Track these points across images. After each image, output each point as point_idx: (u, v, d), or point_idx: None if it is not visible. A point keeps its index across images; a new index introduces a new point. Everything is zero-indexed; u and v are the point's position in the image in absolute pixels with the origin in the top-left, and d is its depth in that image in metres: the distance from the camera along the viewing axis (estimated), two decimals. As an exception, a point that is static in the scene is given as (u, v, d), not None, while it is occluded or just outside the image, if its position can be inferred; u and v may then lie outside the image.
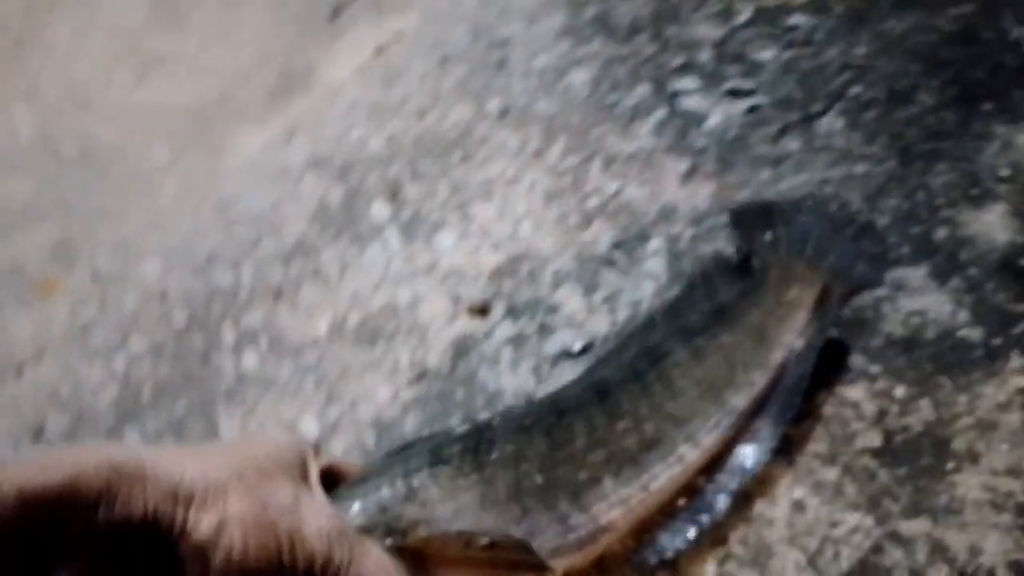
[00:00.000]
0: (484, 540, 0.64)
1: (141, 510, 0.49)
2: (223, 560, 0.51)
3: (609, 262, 1.03)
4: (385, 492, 0.69)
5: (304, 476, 0.63)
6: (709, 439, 0.78)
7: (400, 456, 0.79)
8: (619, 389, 0.79)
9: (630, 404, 0.78)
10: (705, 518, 0.75)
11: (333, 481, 0.71)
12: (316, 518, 0.57)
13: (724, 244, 1.01)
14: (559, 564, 0.72)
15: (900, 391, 0.85)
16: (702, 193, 1.07)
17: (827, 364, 0.88)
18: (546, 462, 0.72)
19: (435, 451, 0.73)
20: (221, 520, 0.51)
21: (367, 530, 0.64)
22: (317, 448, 0.73)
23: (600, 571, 0.77)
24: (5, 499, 0.43)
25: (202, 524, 0.50)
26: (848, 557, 0.75)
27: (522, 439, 0.73)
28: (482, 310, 1.01)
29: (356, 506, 0.68)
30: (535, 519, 0.70)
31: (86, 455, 0.49)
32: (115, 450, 0.51)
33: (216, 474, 0.54)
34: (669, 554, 0.75)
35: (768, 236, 0.96)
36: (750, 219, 0.99)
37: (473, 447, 0.72)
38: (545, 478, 0.72)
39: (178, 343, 1.06)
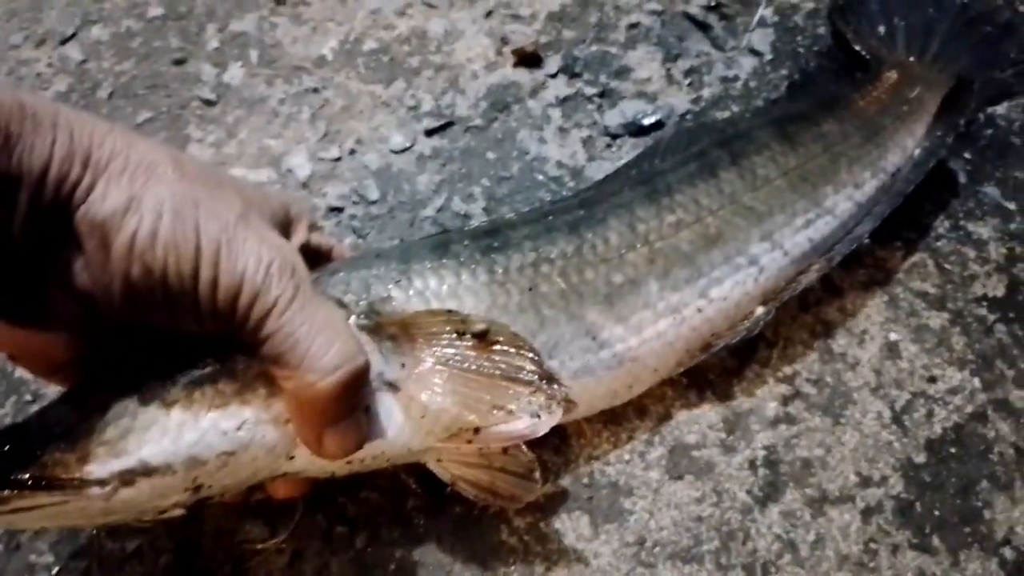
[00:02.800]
0: (480, 325, 0.51)
1: (42, 163, 0.39)
2: (124, 245, 0.41)
3: (702, 26, 0.82)
4: (376, 270, 0.56)
5: (278, 225, 0.51)
6: (795, 241, 0.63)
7: (403, 244, 0.67)
8: (674, 175, 0.64)
9: (687, 194, 0.62)
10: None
11: (322, 261, 0.59)
12: (259, 243, 0.45)
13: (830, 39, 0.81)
14: (584, 390, 0.58)
15: (1041, 237, 0.68)
16: (834, -42, 0.85)
17: (951, 189, 0.72)
18: (571, 263, 0.58)
19: (443, 243, 0.59)
20: (132, 197, 0.41)
21: (342, 304, 0.52)
22: (315, 223, 0.59)
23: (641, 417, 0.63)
24: None
25: (109, 198, 0.41)
26: (943, 420, 0.62)
27: (542, 236, 0.59)
28: (533, 59, 0.81)
29: (338, 276, 0.55)
30: (556, 331, 0.57)
31: None
32: (31, 96, 0.40)
33: (146, 152, 0.43)
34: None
35: (883, 29, 0.78)
36: (862, 8, 0.80)
37: (486, 244, 0.58)
38: (568, 282, 0.58)
39: (149, 38, 0.85)
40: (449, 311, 0.52)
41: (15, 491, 0.46)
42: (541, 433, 0.54)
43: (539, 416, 0.51)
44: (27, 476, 0.46)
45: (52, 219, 0.41)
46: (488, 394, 0.51)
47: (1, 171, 0.38)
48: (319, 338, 0.46)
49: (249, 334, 0.45)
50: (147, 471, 0.47)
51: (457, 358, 0.51)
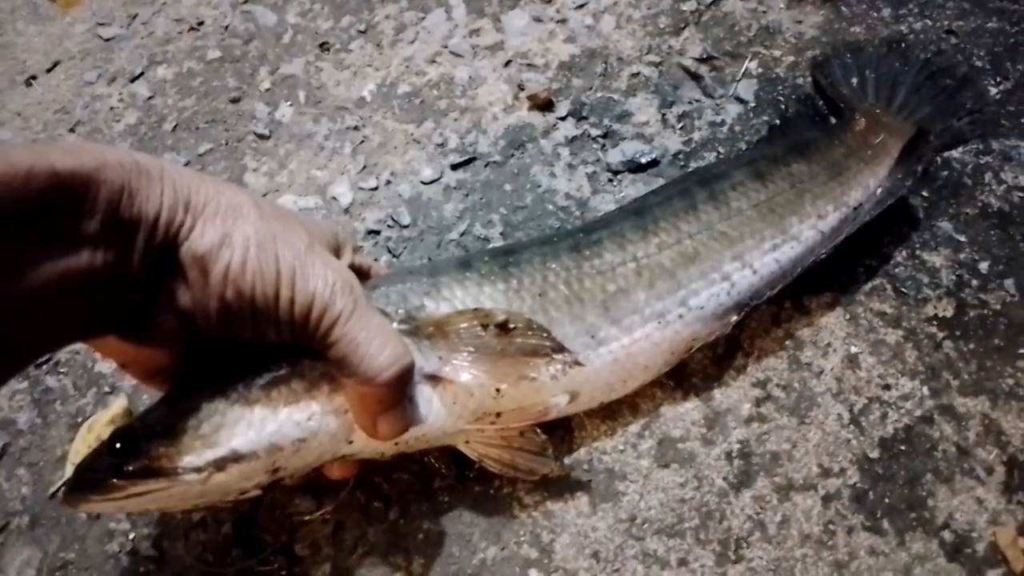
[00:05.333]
0: (500, 317, 0.61)
1: (156, 210, 0.48)
2: (220, 273, 0.50)
3: (695, 76, 0.92)
4: (410, 284, 0.65)
5: (332, 250, 0.60)
6: (763, 262, 0.73)
7: (431, 263, 0.77)
8: (659, 207, 0.74)
9: (669, 221, 0.72)
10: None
11: (361, 278, 0.69)
12: (324, 267, 0.54)
13: (812, 90, 0.91)
14: (585, 381, 0.67)
15: (984, 266, 0.78)
16: (812, 19, 0.95)
17: (910, 222, 0.81)
18: (573, 274, 0.68)
19: (464, 261, 0.69)
20: (225, 235, 0.50)
21: (384, 313, 0.61)
22: (357, 246, 0.69)
23: (634, 413, 0.73)
24: (39, 174, 0.42)
25: (206, 236, 0.50)
26: (894, 422, 0.71)
27: (549, 253, 0.69)
28: (546, 104, 0.91)
29: (379, 290, 0.64)
30: (561, 330, 0.66)
31: (112, 151, 0.47)
32: (141, 155, 0.49)
33: (232, 197, 0.52)
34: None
35: (855, 81, 0.88)
36: (837, 62, 0.90)
37: (503, 260, 0.68)
38: (571, 289, 0.67)
39: (209, 78, 0.97)
40: (475, 309, 0.62)
41: (129, 480, 0.55)
42: (552, 415, 0.65)
43: (556, 378, 0.63)
44: (138, 467, 0.56)
45: (161, 254, 0.49)
46: (513, 368, 0.61)
47: (126, 218, 0.47)
48: (375, 342, 0.54)
49: (319, 341, 0.54)
50: (236, 458, 0.56)
51: (484, 345, 0.61)
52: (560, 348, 0.62)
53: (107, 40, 1.02)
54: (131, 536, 0.70)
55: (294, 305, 0.52)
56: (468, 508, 0.69)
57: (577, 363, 0.63)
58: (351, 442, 0.60)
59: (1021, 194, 0.82)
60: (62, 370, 0.79)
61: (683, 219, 0.73)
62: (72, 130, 0.95)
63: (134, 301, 0.50)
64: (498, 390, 0.63)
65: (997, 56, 0.90)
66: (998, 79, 0.89)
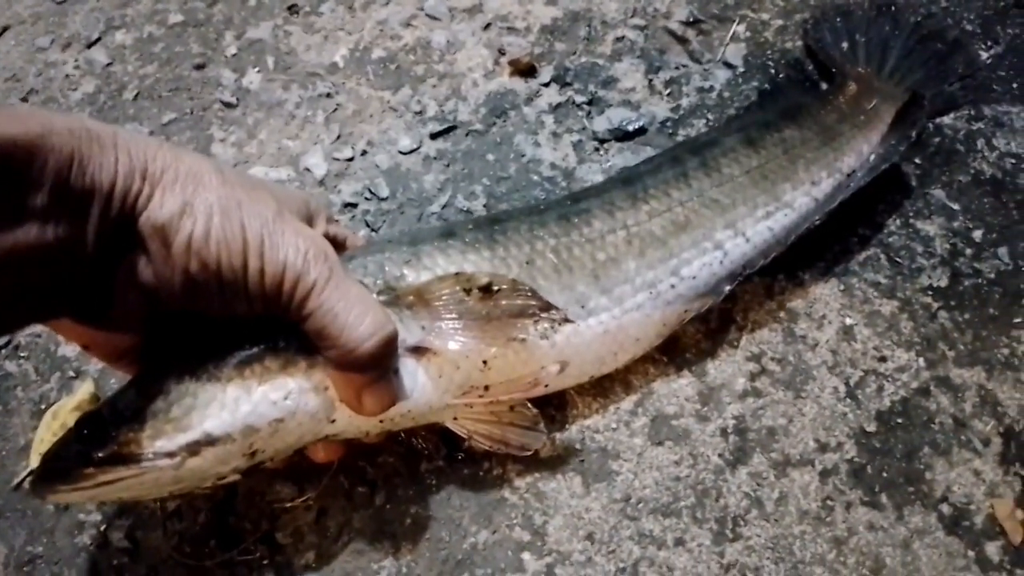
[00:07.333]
0: (483, 280, 0.58)
1: (110, 179, 0.45)
2: (183, 244, 0.47)
3: (682, 40, 0.89)
4: (389, 254, 0.62)
5: (303, 219, 0.57)
6: (756, 230, 0.71)
7: (411, 231, 0.74)
8: (650, 176, 0.71)
9: (660, 188, 0.70)
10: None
11: (337, 249, 0.66)
12: (295, 235, 0.51)
13: (801, 55, 0.89)
14: (575, 354, 0.65)
15: (978, 234, 0.77)
16: (801, -19, 0.92)
17: (902, 191, 0.80)
18: (561, 242, 0.66)
19: (447, 229, 0.66)
20: (186, 203, 0.47)
21: (362, 284, 0.58)
22: (331, 216, 0.65)
23: (626, 390, 0.71)
24: None
25: (166, 205, 0.47)
26: (891, 394, 0.70)
27: (536, 221, 0.67)
28: (528, 69, 0.87)
29: (355, 261, 0.61)
30: (550, 299, 0.63)
31: (60, 117, 0.44)
32: (93, 121, 0.46)
33: (192, 163, 0.49)
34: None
35: (845, 45, 0.86)
36: (827, 26, 0.88)
37: (488, 229, 0.65)
38: (559, 258, 0.65)
39: (171, 43, 0.91)
40: (456, 274, 0.59)
41: (99, 468, 0.52)
42: (541, 388, 0.62)
43: (546, 338, 0.61)
44: (107, 454, 0.52)
45: (118, 226, 0.46)
46: (501, 331, 0.59)
47: (78, 188, 0.43)
48: (354, 311, 0.51)
49: (294, 313, 0.51)
50: (210, 441, 0.53)
51: (469, 310, 0.59)
52: (548, 306, 0.60)
53: (60, 3, 0.96)
54: (103, 528, 0.66)
55: (264, 275, 0.49)
56: (457, 491, 0.66)
57: (567, 320, 0.61)
58: (333, 421, 0.58)
59: (1013, 160, 0.80)
60: (23, 354, 0.74)
61: (674, 186, 0.70)
62: (25, 99, 0.89)
63: (92, 278, 0.47)
64: (485, 362, 0.60)
65: (987, 20, 0.88)
66: (988, 43, 0.87)
